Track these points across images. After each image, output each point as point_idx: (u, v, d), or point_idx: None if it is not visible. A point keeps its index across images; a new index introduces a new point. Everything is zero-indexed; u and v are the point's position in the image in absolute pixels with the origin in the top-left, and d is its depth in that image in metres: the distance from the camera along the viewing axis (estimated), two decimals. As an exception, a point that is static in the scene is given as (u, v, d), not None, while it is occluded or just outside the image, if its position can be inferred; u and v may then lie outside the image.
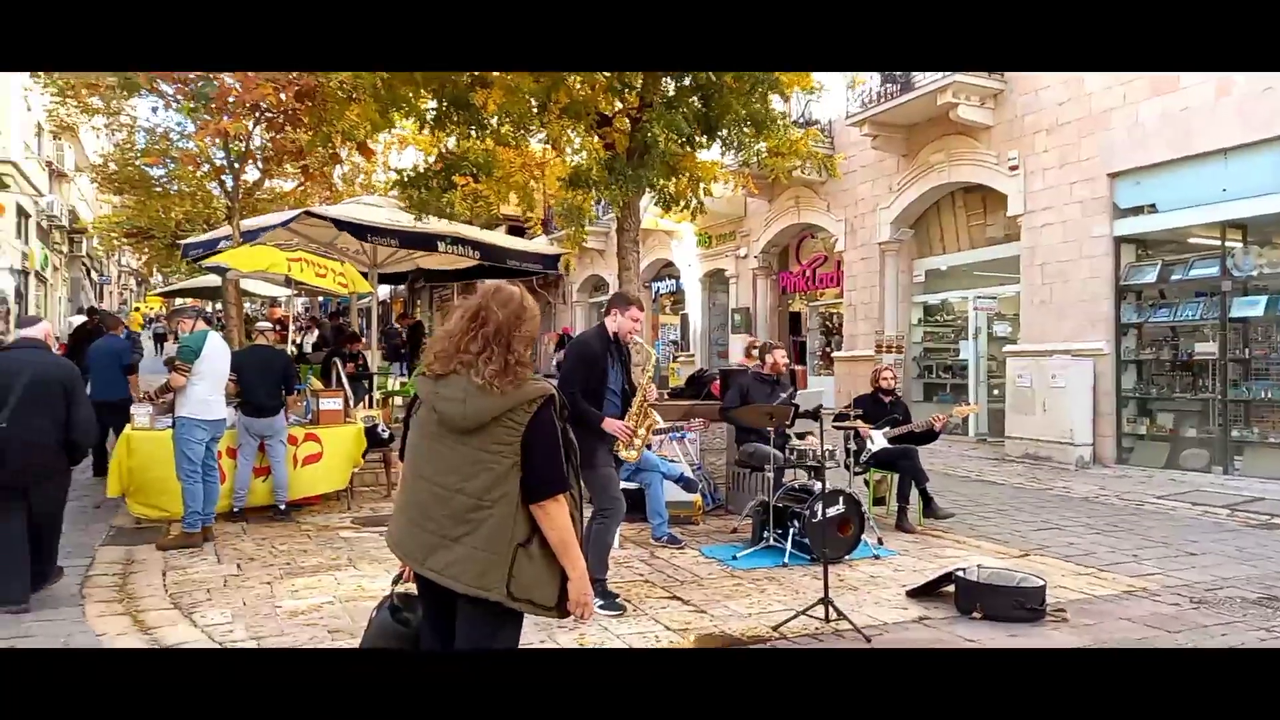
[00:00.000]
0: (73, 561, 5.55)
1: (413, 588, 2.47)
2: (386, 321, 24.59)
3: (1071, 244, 10.86)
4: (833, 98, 13.85)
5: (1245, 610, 4.92)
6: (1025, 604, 4.69)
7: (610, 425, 4.75)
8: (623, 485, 6.28)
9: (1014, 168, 11.62)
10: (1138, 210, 10.35)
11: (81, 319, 18.23)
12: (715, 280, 19.85)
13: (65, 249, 30.52)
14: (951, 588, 5.01)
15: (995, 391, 12.89)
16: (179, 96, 9.06)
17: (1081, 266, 10.73)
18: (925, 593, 5.12)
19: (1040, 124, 11.26)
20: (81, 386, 5.02)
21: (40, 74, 12.47)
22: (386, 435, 8.07)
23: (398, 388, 12.09)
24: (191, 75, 8.53)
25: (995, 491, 9.12)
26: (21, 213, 22.84)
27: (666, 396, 10.33)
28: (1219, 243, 9.77)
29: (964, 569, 5.05)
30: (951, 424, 7.94)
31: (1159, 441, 10.27)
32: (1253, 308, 9.39)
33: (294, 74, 8.01)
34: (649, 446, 6.71)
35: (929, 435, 7.39)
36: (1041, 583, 4.87)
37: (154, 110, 13.38)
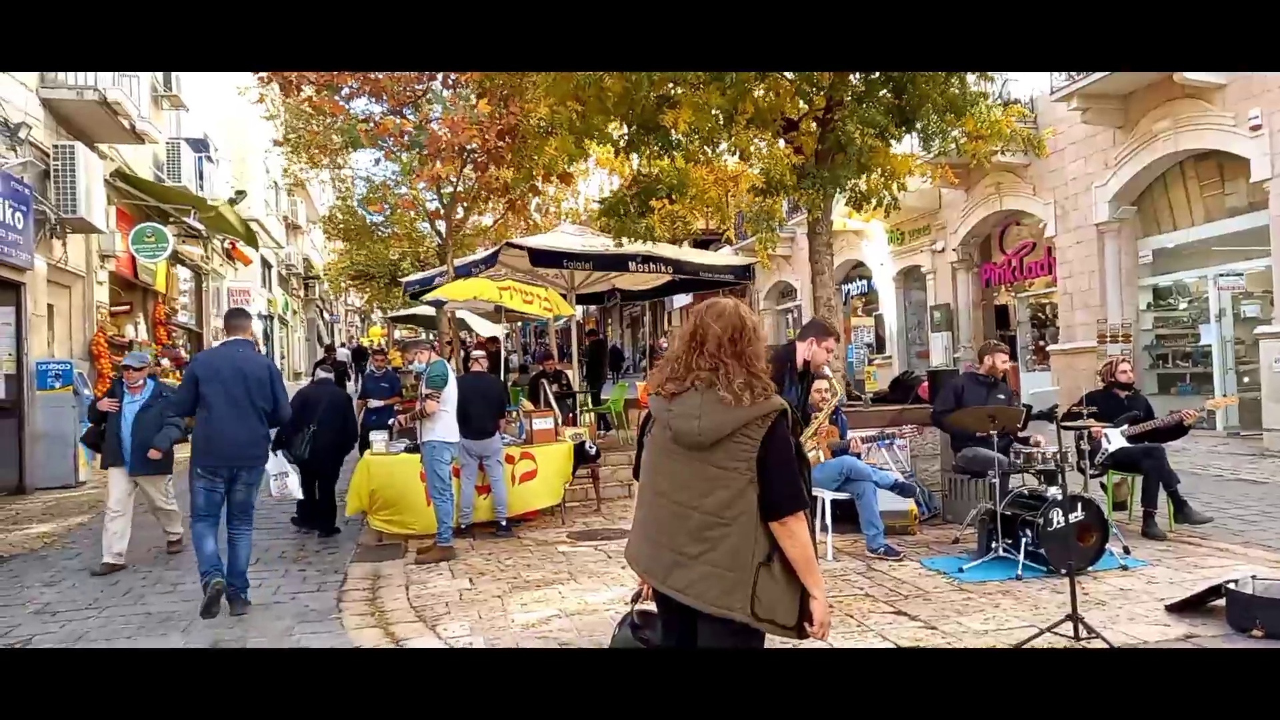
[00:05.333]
0: (329, 578, 6.15)
1: (651, 605, 2.50)
2: (582, 341, 25.57)
3: (1336, 206, 9.51)
4: (1034, 73, 12.98)
5: None
6: (1319, 621, 4.11)
7: None
8: (833, 496, 6.19)
9: (1256, 127, 10.33)
10: None
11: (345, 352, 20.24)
12: (910, 278, 19.04)
13: (301, 293, 34.13)
14: (1221, 602, 4.48)
15: (1246, 379, 11.48)
16: (396, 148, 9.87)
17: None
18: (1188, 608, 4.60)
19: (1287, 74, 9.96)
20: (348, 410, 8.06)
21: (281, 140, 14.00)
22: (594, 451, 8.34)
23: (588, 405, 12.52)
24: (408, 127, 9.32)
25: (1258, 491, 8.10)
26: (265, 264, 25.76)
27: (870, 402, 10.01)
28: None
29: (1236, 580, 4.50)
30: (1200, 418, 7.13)
31: None
32: None
33: (496, 115, 8.55)
34: (858, 455, 6.53)
35: (1176, 431, 6.68)
36: (1335, 596, 4.24)
37: (375, 162, 14.83)
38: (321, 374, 8.52)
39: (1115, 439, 6.60)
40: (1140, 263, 13.11)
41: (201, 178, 17.30)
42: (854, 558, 6.12)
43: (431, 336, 15.37)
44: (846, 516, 6.44)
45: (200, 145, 17.81)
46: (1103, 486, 6.80)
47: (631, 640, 2.57)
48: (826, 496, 6.16)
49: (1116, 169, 12.63)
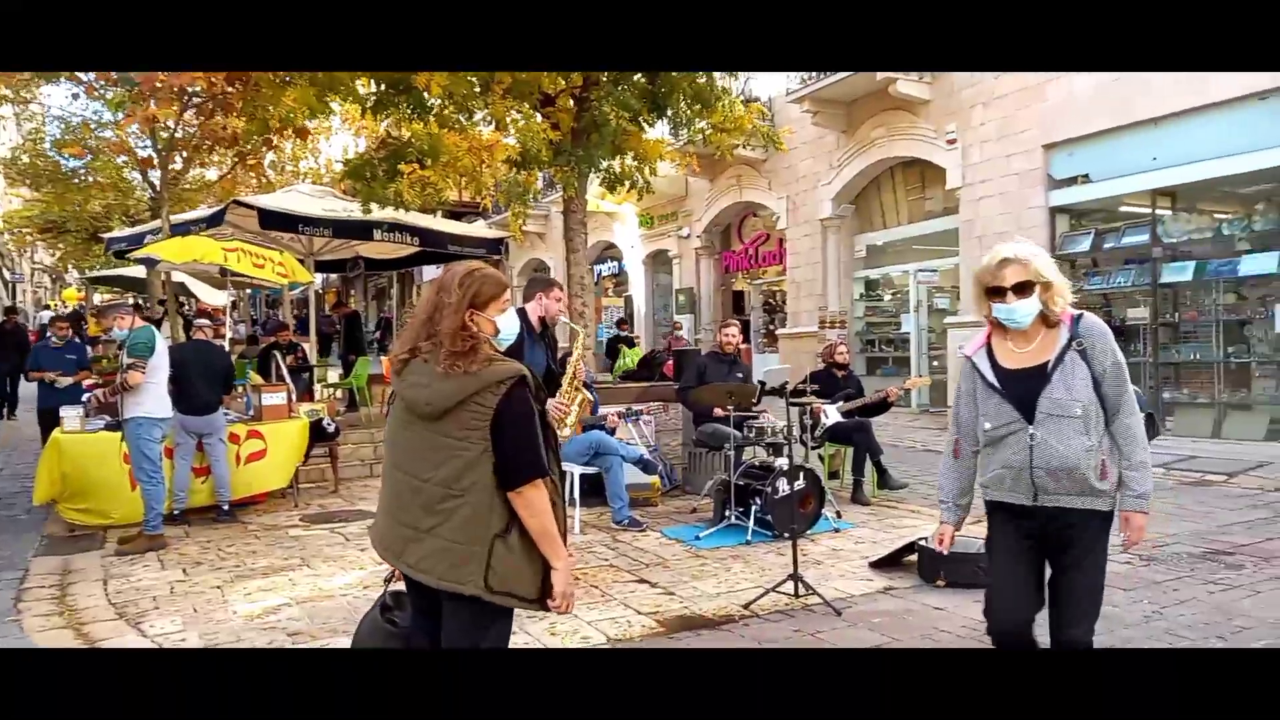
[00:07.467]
0: (3, 575, 5.28)
1: (404, 586, 2.37)
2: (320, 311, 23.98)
3: (1009, 215, 11.08)
4: (773, 74, 13.88)
5: (1192, 565, 5.09)
6: (988, 570, 4.76)
7: None
8: (582, 470, 6.28)
9: (952, 141, 11.80)
10: (1071, 181, 10.59)
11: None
12: (658, 261, 19.81)
13: (-27, 246, 28.97)
14: (914, 557, 5.08)
15: (935, 363, 13.14)
16: (100, 82, 8.59)
17: (1018, 238, 10.97)
18: (888, 563, 5.18)
19: (977, 97, 11.43)
20: None
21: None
22: (332, 429, 7.86)
23: (335, 381, 11.84)
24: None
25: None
26: (-77, 209, 21.56)
27: (618, 379, 10.29)
28: (1149, 211, 10.07)
29: (925, 538, 5.12)
30: (900, 395, 8.04)
31: (1139, 390, 10.52)
32: (1181, 273, 9.69)
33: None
34: (613, 430, 6.68)
35: (881, 407, 7.48)
36: (1001, 548, 4.95)
37: (74, 98, 12.63)
38: None
39: (832, 414, 7.28)
40: (855, 257, 14.55)
41: None
42: (600, 530, 6.26)
43: (142, 300, 13.69)
44: (594, 490, 6.57)
45: None
46: (820, 458, 7.48)
47: (379, 622, 2.43)
48: (575, 471, 6.24)
49: (839, 169, 13.89)
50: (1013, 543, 2.62)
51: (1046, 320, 2.53)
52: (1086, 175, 10.43)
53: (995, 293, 2.53)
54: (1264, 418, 9.10)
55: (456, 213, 20.12)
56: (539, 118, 8.21)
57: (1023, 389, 2.52)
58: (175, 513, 6.54)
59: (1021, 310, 2.50)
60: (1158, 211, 10.02)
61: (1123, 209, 10.46)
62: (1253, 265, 9.03)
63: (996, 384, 2.57)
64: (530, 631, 4.08)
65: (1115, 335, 2.62)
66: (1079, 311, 2.54)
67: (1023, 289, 2.49)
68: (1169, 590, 4.63)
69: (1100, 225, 10.66)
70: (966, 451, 2.74)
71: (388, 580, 2.47)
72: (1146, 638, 3.94)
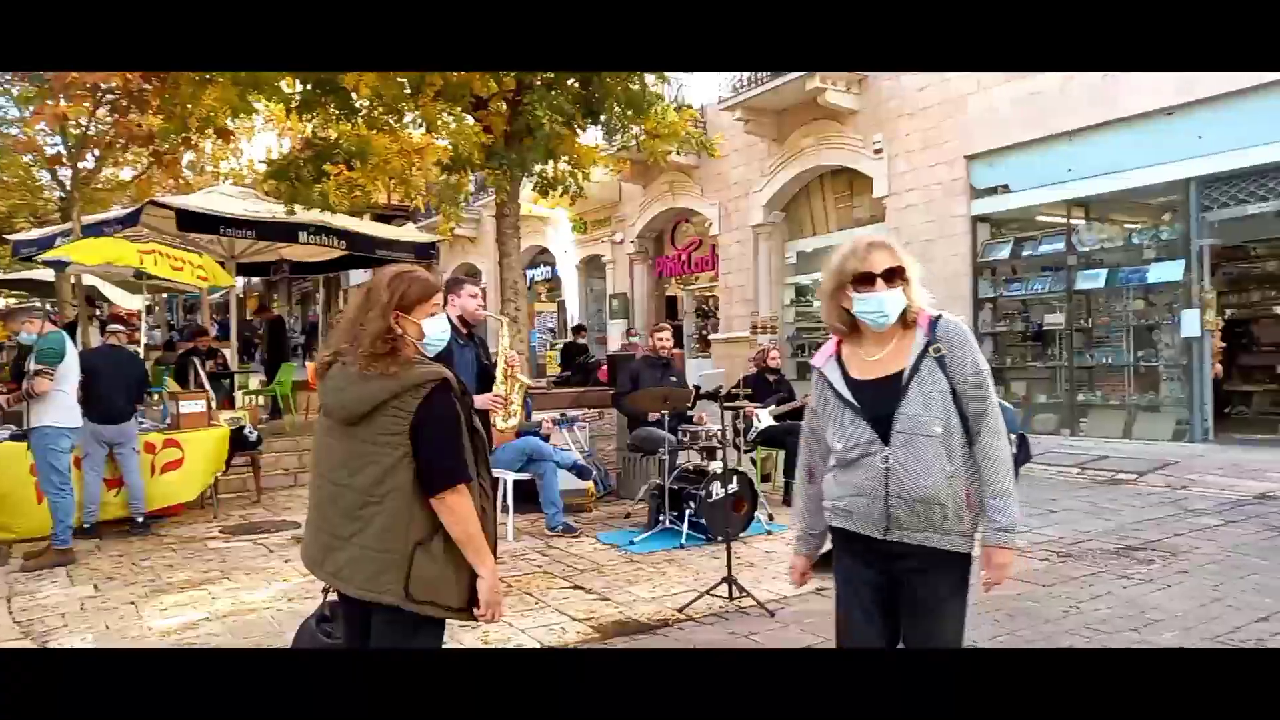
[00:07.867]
0: (-104, 595, 4.97)
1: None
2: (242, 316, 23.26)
3: (933, 224, 11.40)
4: (705, 82, 14.00)
5: (1106, 561, 5.29)
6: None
7: (480, 400, 4.60)
8: (516, 476, 6.22)
9: (878, 151, 12.08)
10: (992, 191, 10.95)
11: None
12: (592, 266, 19.79)
13: None
14: (844, 558, 5.15)
15: (864, 367, 13.39)
16: (5, 77, 8.16)
17: (942, 245, 11.28)
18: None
19: (903, 109, 11.73)
20: None
21: None
22: (254, 438, 7.63)
23: (257, 387, 11.52)
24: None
25: (872, 463, 9.46)
26: None
27: (551, 385, 10.23)
28: (1065, 220, 10.48)
29: (856, 539, 5.20)
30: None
31: (1013, 407, 10.94)
32: (1094, 280, 10.12)
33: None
34: (547, 436, 6.62)
35: (811, 411, 7.60)
36: (928, 548, 5.06)
37: None
38: None
39: (765, 418, 7.36)
40: (786, 263, 14.77)
41: None
42: (534, 536, 6.20)
43: (50, 305, 13.08)
44: (528, 496, 6.51)
45: None
46: (753, 461, 7.55)
47: (315, 633, 2.37)
48: (509, 477, 6.17)
49: (771, 177, 14.09)
50: (864, 590, 2.28)
51: (904, 320, 2.25)
52: (1006, 185, 10.80)
53: (863, 280, 2.22)
54: (1171, 419, 9.54)
55: (386, 215, 19.78)
56: (471, 120, 8.12)
57: (878, 403, 2.21)
58: (86, 526, 6.26)
59: (890, 301, 2.20)
60: (1073, 221, 10.43)
61: (1040, 218, 10.86)
62: (1160, 273, 9.48)
63: (850, 397, 2.25)
64: (463, 640, 4.01)
65: (1033, 340, 2.26)
66: (938, 313, 2.26)
67: (893, 276, 2.20)
68: (1085, 585, 4.80)
69: (1019, 234, 11.05)
70: (821, 474, 2.40)
71: (326, 591, 2.40)
72: (1065, 632, 4.07)
